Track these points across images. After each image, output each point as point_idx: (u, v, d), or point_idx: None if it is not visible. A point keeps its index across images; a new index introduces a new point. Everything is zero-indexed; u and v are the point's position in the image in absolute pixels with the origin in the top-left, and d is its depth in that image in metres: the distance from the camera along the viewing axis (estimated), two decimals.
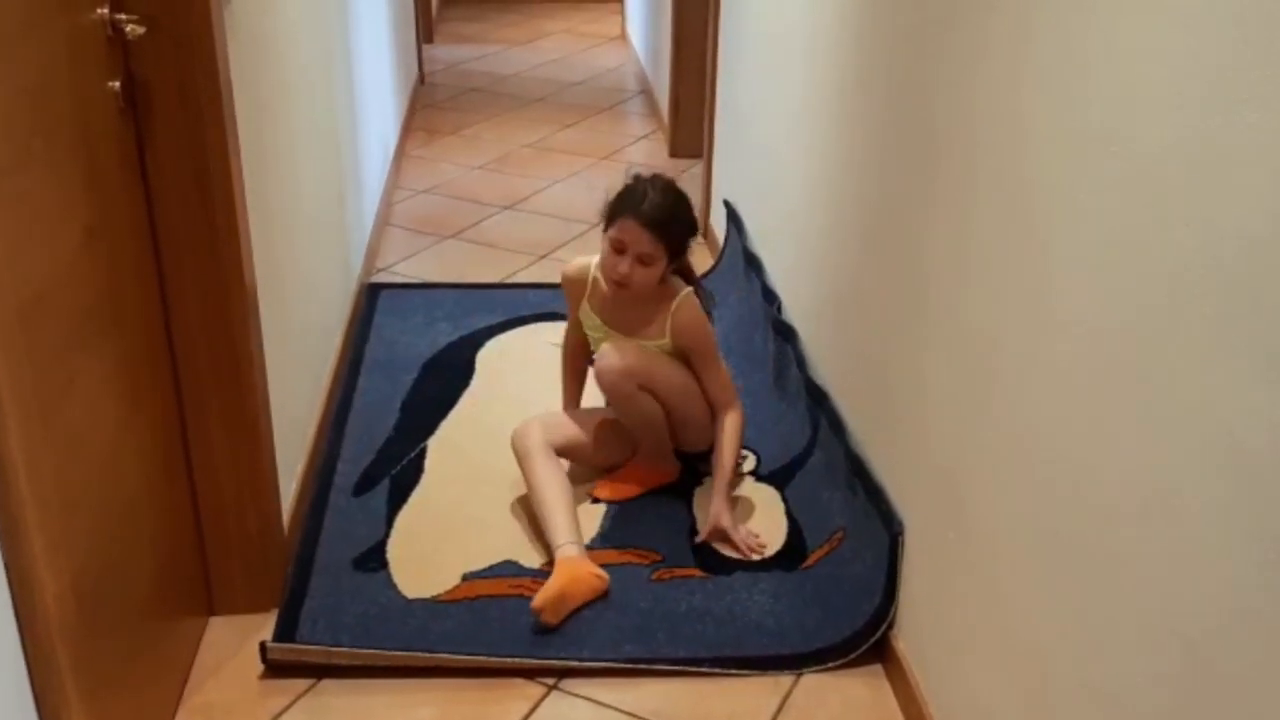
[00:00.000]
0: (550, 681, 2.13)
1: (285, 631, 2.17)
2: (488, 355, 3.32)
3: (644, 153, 5.36)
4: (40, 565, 1.43)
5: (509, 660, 2.12)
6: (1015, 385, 1.64)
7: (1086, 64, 1.43)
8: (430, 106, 6.07)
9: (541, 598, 2.20)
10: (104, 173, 1.74)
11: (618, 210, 2.47)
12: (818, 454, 2.61)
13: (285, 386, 2.40)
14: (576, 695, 2.10)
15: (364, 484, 2.67)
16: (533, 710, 2.06)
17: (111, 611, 1.72)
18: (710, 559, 2.44)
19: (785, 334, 2.96)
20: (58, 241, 1.56)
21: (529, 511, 2.50)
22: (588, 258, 2.65)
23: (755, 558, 2.43)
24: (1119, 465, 1.36)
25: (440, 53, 7.27)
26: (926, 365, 2.00)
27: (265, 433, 2.18)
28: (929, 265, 1.98)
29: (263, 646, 2.11)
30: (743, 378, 3.05)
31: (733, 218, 3.75)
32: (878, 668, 2.17)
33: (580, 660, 2.14)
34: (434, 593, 2.31)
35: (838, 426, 2.51)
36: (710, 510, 2.50)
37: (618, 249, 2.46)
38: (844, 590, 2.24)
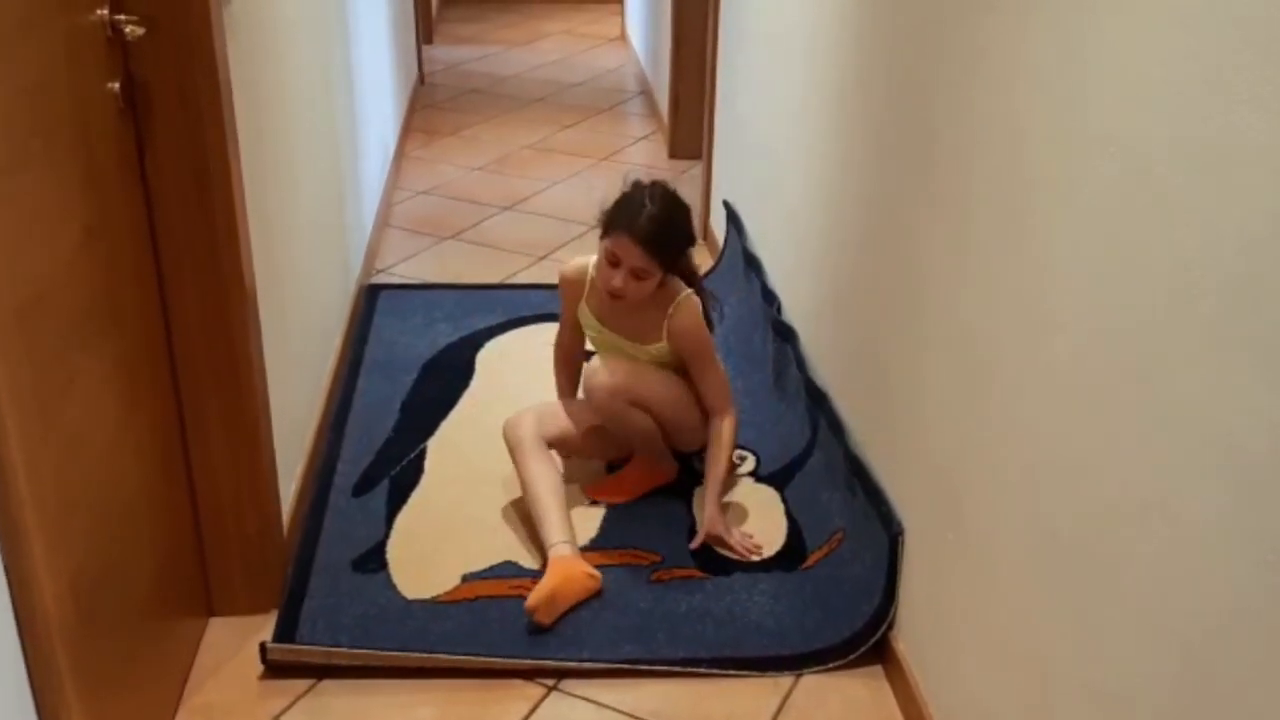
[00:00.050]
0: (550, 682, 2.13)
1: (285, 632, 2.17)
2: (487, 356, 3.32)
3: (643, 153, 5.36)
4: (39, 565, 1.43)
5: (508, 661, 2.12)
6: (1014, 385, 1.64)
7: (1086, 64, 1.43)
8: (430, 107, 6.07)
9: (535, 598, 2.20)
10: (103, 173, 1.74)
11: (614, 222, 2.44)
12: (817, 455, 2.61)
13: (285, 387, 2.40)
14: (576, 696, 2.10)
15: (363, 485, 2.67)
16: (532, 711, 2.06)
17: (111, 612, 1.72)
18: (710, 560, 2.44)
19: (785, 335, 2.95)
20: (57, 241, 1.56)
21: (529, 513, 2.49)
22: (586, 258, 2.64)
23: (755, 559, 2.43)
24: (1118, 466, 1.36)
25: (440, 53, 7.27)
26: (926, 366, 2.00)
27: (265, 433, 2.18)
28: (929, 266, 1.98)
29: (262, 647, 2.11)
30: (742, 378, 3.05)
31: (732, 218, 3.75)
32: (877, 668, 2.17)
33: (580, 661, 2.14)
34: (433, 593, 2.30)
35: (837, 427, 2.51)
36: (704, 518, 2.49)
37: (612, 262, 2.44)
38: (843, 591, 2.24)
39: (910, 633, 2.09)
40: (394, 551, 2.43)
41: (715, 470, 2.52)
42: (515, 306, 3.62)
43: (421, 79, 6.49)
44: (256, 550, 2.22)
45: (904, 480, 2.14)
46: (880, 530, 2.15)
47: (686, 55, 5.04)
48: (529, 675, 2.13)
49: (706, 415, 2.58)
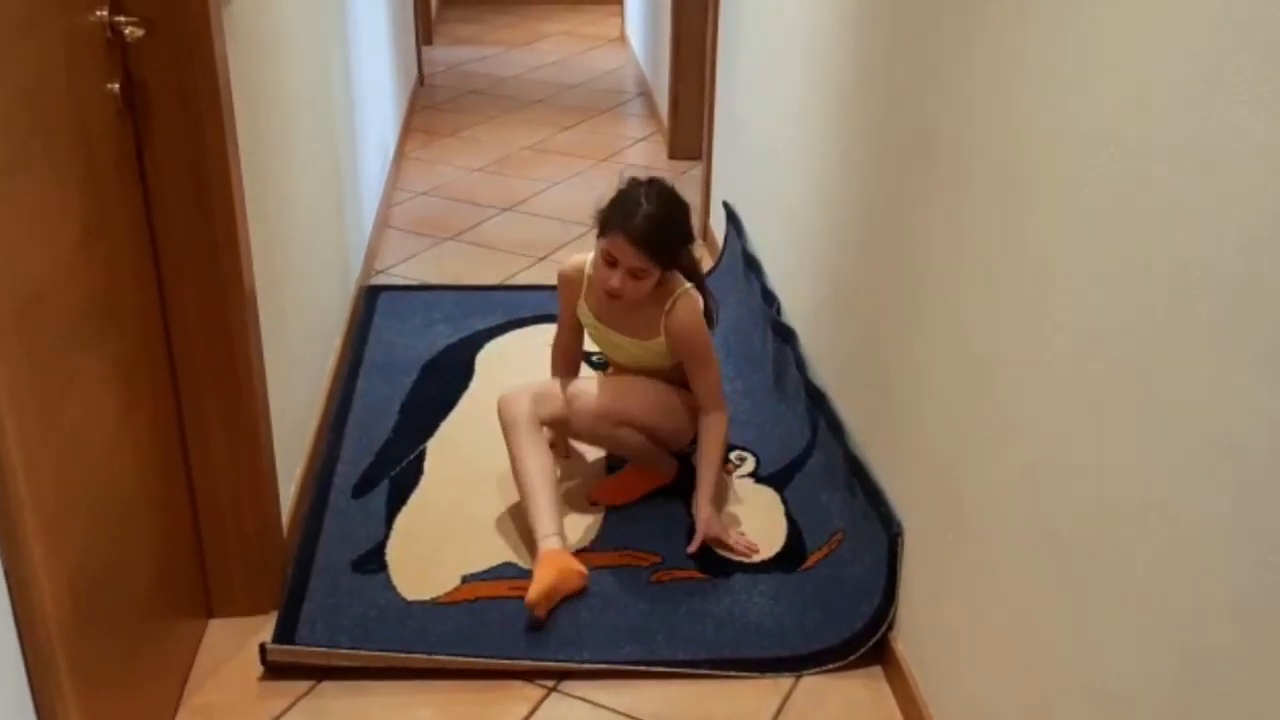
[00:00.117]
0: (549, 683, 2.12)
1: (284, 633, 2.17)
2: (487, 357, 3.32)
3: (643, 154, 5.36)
4: (39, 566, 1.43)
5: (508, 662, 2.12)
6: (1013, 385, 1.64)
7: (1085, 65, 1.43)
8: (429, 108, 6.07)
9: (535, 592, 2.21)
10: (102, 173, 1.74)
11: (610, 221, 2.41)
12: (817, 455, 2.61)
13: (284, 388, 2.40)
14: (575, 697, 2.10)
15: (363, 486, 2.67)
16: (532, 712, 2.06)
17: (110, 612, 1.72)
18: (709, 560, 2.43)
19: (784, 335, 2.95)
20: (56, 242, 1.56)
21: (520, 500, 2.49)
22: (584, 255, 2.62)
23: (756, 558, 2.43)
24: (1118, 466, 1.36)
25: (439, 54, 7.28)
26: (926, 366, 2.00)
27: (264, 433, 2.18)
28: (928, 266, 1.98)
29: (262, 648, 2.11)
30: (742, 379, 3.05)
31: (732, 219, 3.75)
32: (877, 669, 2.17)
33: (579, 662, 2.14)
34: (433, 594, 2.30)
35: (837, 428, 2.51)
36: (699, 519, 2.48)
37: (609, 262, 2.42)
38: (843, 592, 2.24)
39: (910, 633, 2.09)
40: (394, 552, 2.43)
41: (707, 471, 2.51)
42: (515, 307, 3.62)
43: (421, 80, 6.49)
44: (256, 551, 2.22)
45: (903, 480, 2.14)
46: (880, 531, 2.15)
47: (686, 56, 5.04)
48: (529, 676, 2.13)
49: (696, 412, 2.57)
